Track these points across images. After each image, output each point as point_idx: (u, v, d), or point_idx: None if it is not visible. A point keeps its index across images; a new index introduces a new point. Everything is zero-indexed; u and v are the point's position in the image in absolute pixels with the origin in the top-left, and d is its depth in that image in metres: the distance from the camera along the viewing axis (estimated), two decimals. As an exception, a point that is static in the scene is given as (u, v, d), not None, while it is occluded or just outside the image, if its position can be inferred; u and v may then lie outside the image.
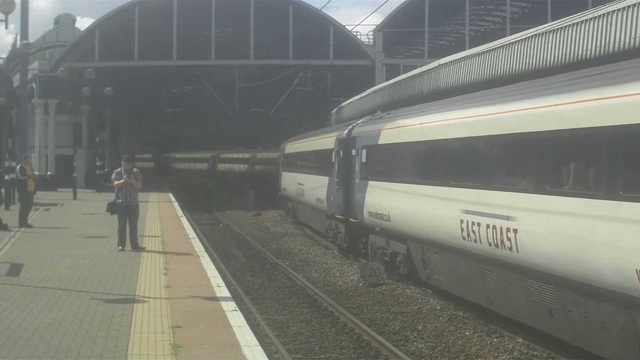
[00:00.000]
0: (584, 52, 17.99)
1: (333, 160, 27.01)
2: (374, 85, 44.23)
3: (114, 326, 11.46)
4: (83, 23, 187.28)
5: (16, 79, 43.14)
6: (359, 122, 25.94)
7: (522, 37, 21.67)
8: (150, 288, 14.85)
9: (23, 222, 26.16)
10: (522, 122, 13.05)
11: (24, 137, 38.22)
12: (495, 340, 14.47)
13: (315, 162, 31.78)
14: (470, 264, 15.47)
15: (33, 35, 65.77)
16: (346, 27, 56.31)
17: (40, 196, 36.36)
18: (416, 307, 17.67)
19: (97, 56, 55.04)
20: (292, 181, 37.77)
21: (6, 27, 27.28)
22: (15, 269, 16.89)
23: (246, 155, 64.47)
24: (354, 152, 24.40)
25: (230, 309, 13.03)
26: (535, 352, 13.57)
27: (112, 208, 20.96)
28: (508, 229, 13.17)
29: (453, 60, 26.19)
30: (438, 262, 17.53)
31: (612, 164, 10.73)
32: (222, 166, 74.94)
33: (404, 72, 38.81)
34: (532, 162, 12.93)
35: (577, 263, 11.30)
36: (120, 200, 20.61)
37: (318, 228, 32.29)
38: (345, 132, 25.94)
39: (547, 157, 12.48)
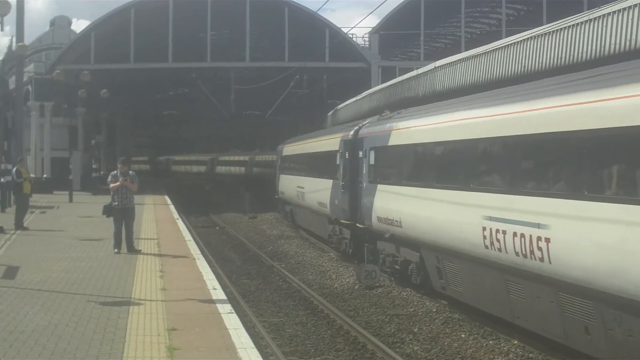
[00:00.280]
0: (580, 55, 18.01)
1: (337, 163, 26.05)
2: (370, 87, 44.18)
3: (110, 329, 11.47)
4: (79, 25, 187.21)
5: (12, 82, 43.01)
6: (365, 122, 24.92)
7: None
8: (146, 290, 14.85)
9: (19, 225, 26.14)
10: (558, 120, 11.95)
11: (20, 140, 38.15)
12: (490, 342, 14.49)
13: (318, 165, 30.58)
14: (492, 275, 14.36)
15: (29, 38, 65.96)
16: (342, 29, 56.38)
17: (36, 199, 36.33)
18: (412, 309, 17.68)
19: (93, 58, 55.01)
20: (291, 184, 36.67)
21: (2, 29, 27.23)
22: (11, 272, 16.89)
23: (244, 158, 64.49)
24: (360, 153, 23.39)
25: (226, 311, 13.04)
26: (530, 355, 13.60)
27: (108, 211, 20.95)
28: (539, 238, 12.11)
29: (454, 62, 25.96)
30: (455, 272, 16.38)
31: None
32: (220, 169, 74.96)
33: (399, 75, 38.78)
34: (569, 164, 11.80)
35: (619, 276, 10.38)
36: (116, 203, 20.60)
37: (319, 233, 31.45)
38: (351, 133, 24.94)
39: (585, 159, 11.36)
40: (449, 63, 25.76)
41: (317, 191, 29.55)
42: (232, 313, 12.95)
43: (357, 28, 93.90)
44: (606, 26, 16.93)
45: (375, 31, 55.41)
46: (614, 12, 16.68)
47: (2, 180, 33.06)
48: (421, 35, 56.70)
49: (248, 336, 11.41)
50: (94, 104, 57.07)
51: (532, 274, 12.62)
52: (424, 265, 18.27)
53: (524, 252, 12.60)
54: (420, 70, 29.83)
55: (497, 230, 13.48)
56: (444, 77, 25.83)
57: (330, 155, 27.38)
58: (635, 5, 15.81)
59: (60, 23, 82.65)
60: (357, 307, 18.25)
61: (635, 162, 10.37)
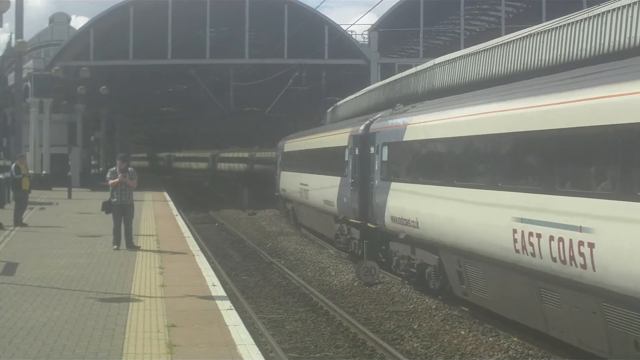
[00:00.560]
0: (579, 52, 18.02)
1: (346, 159, 24.83)
2: (369, 84, 44.25)
3: (110, 325, 11.46)
4: (78, 22, 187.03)
5: (11, 78, 42.99)
6: (377, 116, 23.61)
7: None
8: (145, 287, 14.84)
9: (18, 221, 26.13)
10: (609, 111, 10.68)
11: (19, 136, 38.12)
12: (490, 339, 14.50)
13: (324, 161, 29.24)
14: (523, 281, 13.15)
15: (28, 34, 65.87)
16: (341, 26, 56.36)
17: (35, 195, 36.27)
18: (411, 306, 17.69)
19: (92, 55, 55.00)
20: (293, 181, 35.36)
21: (1, 26, 27.23)
22: (10, 268, 16.88)
23: (245, 154, 64.44)
24: (372, 149, 22.09)
25: (225, 307, 13.03)
26: (530, 351, 13.60)
27: (107, 207, 20.94)
28: (581, 243, 10.96)
29: (458, 57, 25.73)
30: (479, 277, 15.15)
31: None
32: (221, 165, 74.88)
33: (399, 72, 38.82)
34: (618, 161, 10.51)
35: None
36: (115, 199, 20.59)
37: (324, 232, 30.27)
38: (362, 127, 23.58)
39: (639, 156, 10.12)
40: (455, 58, 25.57)
41: (322, 189, 28.40)
42: (231, 309, 12.94)
43: (357, 25, 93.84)
44: (605, 23, 16.95)
45: (374, 28, 55.42)
46: (612, 10, 16.70)
47: (1, 176, 33.05)
48: (420, 32, 56.77)
49: (247, 332, 11.40)
50: (93, 101, 57.07)
51: (572, 282, 11.47)
52: (443, 268, 17.05)
53: (562, 258, 11.49)
54: (420, 67, 29.78)
55: (531, 233, 12.38)
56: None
57: (338, 151, 26.23)
58: (634, 3, 15.83)
59: (59, 20, 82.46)
60: (356, 304, 18.26)
61: None
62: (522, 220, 12.67)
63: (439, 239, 16.63)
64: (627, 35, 16.20)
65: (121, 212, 20.50)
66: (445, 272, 17.03)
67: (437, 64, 27.16)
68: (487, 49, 23.46)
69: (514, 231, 12.89)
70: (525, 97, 13.31)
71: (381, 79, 43.96)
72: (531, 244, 12.37)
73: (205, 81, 62.55)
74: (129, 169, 21.03)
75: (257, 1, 55.27)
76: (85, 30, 57.15)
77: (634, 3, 15.89)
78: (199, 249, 21.68)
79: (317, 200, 29.34)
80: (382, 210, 20.61)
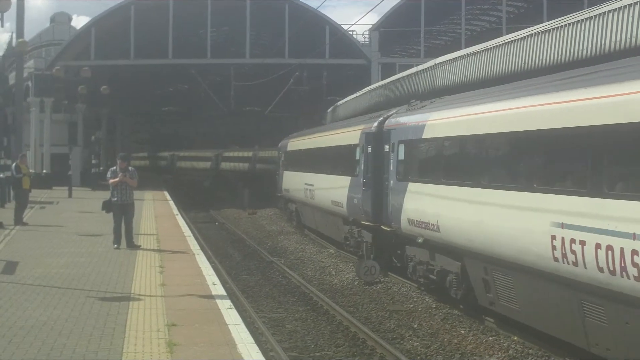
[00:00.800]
0: (580, 52, 18.00)
1: (357, 158, 23.61)
2: (370, 84, 44.21)
3: (110, 324, 11.46)
4: (79, 21, 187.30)
5: (12, 77, 42.98)
6: (390, 112, 22.33)
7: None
8: (145, 286, 14.84)
9: (18, 220, 26.15)
10: None
11: (20, 136, 38.14)
12: (490, 338, 14.51)
13: (332, 160, 27.89)
14: (562, 293, 12.01)
15: (29, 34, 65.88)
16: (342, 26, 56.37)
17: (36, 194, 36.29)
18: (411, 305, 17.69)
19: (93, 55, 55.02)
20: (297, 181, 34.18)
21: (2, 25, 27.27)
22: (10, 267, 16.89)
23: (248, 154, 64.44)
24: (387, 148, 20.86)
25: (225, 307, 13.04)
26: (530, 351, 13.61)
27: (107, 206, 20.96)
28: (635, 252, 9.86)
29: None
30: (510, 286, 13.93)
31: None
32: (225, 165, 74.87)
33: (400, 72, 38.76)
34: None
35: None
36: (115, 199, 20.60)
37: (331, 235, 29.07)
38: (375, 124, 22.45)
39: None
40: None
41: (330, 189, 27.16)
42: (231, 309, 12.95)
43: (358, 25, 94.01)
44: (606, 23, 16.94)
45: (375, 28, 55.42)
46: (614, 10, 16.68)
47: (1, 175, 33.07)
48: (421, 32, 56.74)
49: (248, 332, 11.40)
50: (94, 100, 57.09)
51: (622, 295, 10.34)
52: (467, 276, 15.84)
53: (611, 269, 10.36)
54: (421, 67, 29.71)
55: (573, 240, 11.18)
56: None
57: (348, 149, 24.96)
58: (636, 3, 15.81)
59: (60, 19, 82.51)
60: (356, 303, 18.26)
61: None
62: (563, 226, 11.48)
63: (463, 245, 15.38)
64: (629, 35, 16.19)
65: (122, 211, 20.52)
66: (469, 280, 15.82)
67: (443, 62, 26.82)
68: (489, 48, 23.43)
69: (553, 237, 11.71)
70: (575, 89, 11.88)
71: (382, 79, 43.91)
72: (573, 252, 11.18)
73: (206, 81, 62.58)
74: (130, 168, 21.05)
75: (258, 1, 55.27)
76: (86, 29, 57.17)
77: (636, 3, 15.89)
78: (199, 248, 21.70)
79: (324, 201, 28.14)
80: (397, 213, 19.39)
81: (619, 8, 16.52)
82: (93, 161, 55.44)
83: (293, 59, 54.70)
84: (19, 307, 12.64)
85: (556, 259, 11.65)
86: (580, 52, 17.93)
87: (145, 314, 12.24)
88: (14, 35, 39.55)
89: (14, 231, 24.33)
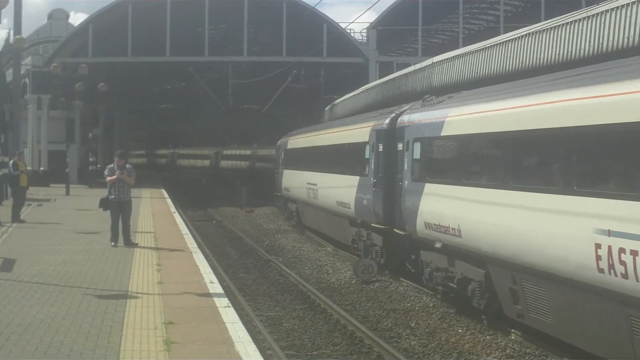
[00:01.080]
0: (577, 51, 18.01)
1: (367, 156, 22.52)
2: (368, 82, 44.22)
3: (107, 322, 11.45)
4: (76, 18, 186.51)
5: (9, 74, 42.96)
6: (404, 108, 21.13)
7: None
8: (143, 284, 14.83)
9: (16, 218, 26.10)
10: None
11: (17, 133, 38.16)
12: (488, 337, 14.52)
13: (338, 159, 26.76)
14: (607, 307, 10.89)
15: (26, 30, 65.86)
16: (340, 24, 56.40)
17: (33, 192, 36.28)
18: (409, 304, 17.71)
19: (91, 52, 55.01)
20: (298, 180, 33.02)
21: (-1, 22, 27.22)
22: (7, 265, 16.85)
23: (248, 152, 64.46)
24: (400, 146, 19.67)
25: (223, 305, 13.03)
26: (527, 350, 13.63)
27: (104, 204, 20.93)
28: None
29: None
30: (542, 298, 12.75)
31: None
32: (224, 163, 74.89)
33: (397, 70, 38.72)
34: None
35: None
36: (112, 196, 20.58)
37: (335, 236, 27.98)
38: (387, 121, 21.33)
39: None
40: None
41: (335, 189, 26.01)
42: (229, 307, 12.94)
43: (355, 23, 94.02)
44: (604, 23, 16.94)
45: (373, 26, 55.44)
46: (611, 10, 16.69)
47: (-2, 173, 33.03)
48: (419, 31, 56.74)
49: (245, 330, 11.40)
50: (92, 97, 57.03)
51: None
52: (492, 285, 14.77)
53: None
54: (419, 65, 29.64)
55: (622, 250, 10.04)
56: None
57: (356, 147, 23.82)
58: (633, 2, 15.82)
59: (58, 16, 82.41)
60: (354, 302, 18.27)
61: None
62: (610, 233, 10.32)
63: (488, 251, 14.24)
64: (626, 35, 16.20)
65: (119, 209, 20.49)
66: (493, 289, 14.78)
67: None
68: (490, 46, 23.37)
69: (597, 246, 10.56)
70: (627, 80, 10.58)
71: (379, 77, 43.92)
72: (622, 263, 10.04)
73: (203, 78, 62.59)
74: (127, 165, 21.02)
75: (256, -1, 55.31)
76: (83, 26, 57.13)
77: (634, 2, 15.90)
78: (196, 246, 21.68)
79: (329, 202, 26.94)
80: (413, 215, 18.18)
81: (617, 7, 16.53)
82: (90, 158, 55.40)
83: (291, 57, 54.70)
84: (16, 304, 12.62)
85: (601, 270, 10.52)
86: (581, 50, 17.93)
87: (142, 312, 12.23)
88: (12, 32, 39.61)
89: (11, 229, 24.29)
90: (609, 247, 10.33)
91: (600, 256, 10.52)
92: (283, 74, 55.10)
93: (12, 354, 9.69)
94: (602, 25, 16.93)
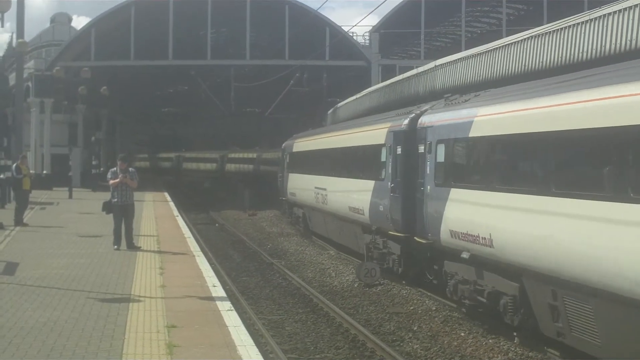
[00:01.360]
0: (580, 54, 18.00)
1: (383, 159, 21.25)
2: (370, 86, 44.21)
3: (109, 325, 11.46)
4: (79, 22, 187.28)
5: (12, 78, 43.01)
6: (424, 108, 19.95)
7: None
8: (145, 287, 14.84)
9: (19, 221, 26.15)
10: None
11: (20, 136, 38.15)
12: (490, 341, 14.50)
13: (350, 162, 25.46)
14: None
15: (29, 34, 66.00)
16: (342, 27, 56.47)
17: (36, 195, 36.30)
18: (411, 307, 17.68)
19: (93, 55, 55.06)
20: (305, 184, 31.95)
21: (2, 26, 27.28)
22: (10, 268, 16.88)
23: (253, 155, 64.52)
24: (422, 148, 18.38)
25: (225, 308, 13.04)
26: (530, 354, 13.60)
27: (107, 207, 20.96)
28: None
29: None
30: (588, 316, 11.50)
31: None
32: (229, 166, 74.92)
33: (400, 73, 38.74)
34: None
35: None
36: (115, 200, 20.61)
37: (346, 243, 26.63)
38: (406, 122, 20.04)
39: None
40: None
41: (347, 194, 24.80)
42: (231, 310, 12.95)
43: (358, 27, 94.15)
44: (606, 26, 16.94)
45: (375, 30, 55.48)
46: (614, 12, 16.68)
47: (2, 176, 33.08)
48: (421, 34, 56.78)
49: (247, 333, 11.41)
50: (94, 101, 57.11)
51: None
52: (527, 300, 13.54)
53: None
54: (423, 68, 29.57)
55: None
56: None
57: (371, 150, 22.60)
58: (636, 5, 15.81)
59: (60, 20, 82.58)
60: (356, 305, 18.25)
61: None
62: None
63: (524, 263, 13.04)
64: (629, 37, 16.19)
65: (122, 213, 20.52)
66: (529, 305, 13.53)
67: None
68: (489, 50, 23.33)
69: None
70: None
71: (382, 81, 43.92)
72: None
73: (206, 82, 62.65)
74: (130, 169, 21.05)
75: (258, 2, 55.30)
76: (86, 30, 57.20)
77: (636, 5, 15.89)
78: (199, 249, 21.70)
79: (340, 207, 25.72)
80: (436, 223, 16.96)
81: (620, 10, 16.52)
82: (93, 162, 55.50)
83: (293, 60, 54.77)
84: (19, 308, 12.63)
85: None
86: (579, 54, 17.93)
87: (145, 316, 12.24)
88: (14, 36, 39.59)
89: (14, 232, 24.33)
90: None
91: None
92: (285, 78, 55.13)
93: (14, 357, 9.71)
94: (605, 28, 16.94)
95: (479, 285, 15.37)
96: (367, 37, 56.41)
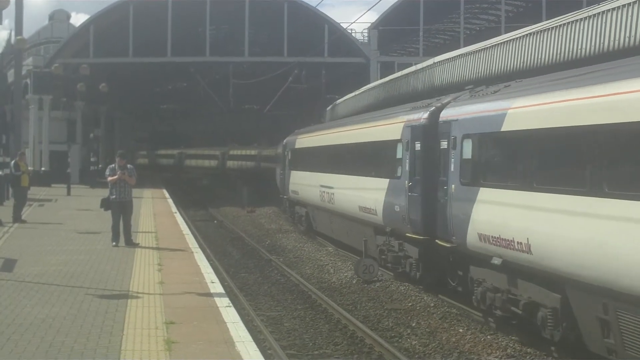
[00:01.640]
0: (579, 51, 17.99)
1: (399, 156, 19.83)
2: (369, 82, 44.21)
3: (108, 322, 11.47)
4: (78, 19, 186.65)
5: (10, 75, 43.01)
6: (446, 100, 18.46)
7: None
8: (144, 284, 14.84)
9: (17, 218, 26.14)
10: None
11: (18, 133, 38.15)
12: (488, 337, 14.51)
13: (360, 159, 24.13)
14: None
15: (27, 31, 65.96)
16: (341, 24, 56.46)
17: (35, 192, 36.31)
18: (410, 304, 17.68)
19: (92, 52, 55.06)
20: (309, 182, 30.63)
21: (1, 23, 27.26)
22: (9, 265, 16.88)
23: (253, 152, 64.48)
24: (444, 144, 16.98)
25: (224, 305, 13.04)
26: (528, 349, 13.61)
27: (106, 204, 20.97)
28: None
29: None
30: None
31: None
32: (230, 163, 74.93)
33: (398, 70, 38.68)
34: None
35: None
36: (114, 196, 20.61)
37: (354, 245, 24.94)
38: (426, 115, 18.61)
39: None
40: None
41: (357, 193, 23.45)
42: (230, 307, 12.95)
43: (357, 23, 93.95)
44: (605, 23, 16.93)
45: (374, 27, 55.44)
46: (613, 9, 16.67)
47: (0, 173, 33.07)
48: (420, 30, 56.78)
49: (246, 330, 11.41)
50: (93, 98, 57.13)
51: None
52: (571, 313, 12.21)
53: None
54: (422, 64, 29.45)
55: None
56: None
57: (384, 146, 21.28)
58: (634, 2, 15.81)
59: (59, 17, 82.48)
60: (355, 302, 18.25)
61: None
62: None
63: (569, 271, 11.70)
64: (628, 34, 16.18)
65: (120, 209, 20.52)
66: (573, 318, 12.18)
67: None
68: (487, 47, 23.27)
69: None
70: None
71: (381, 77, 43.90)
72: None
73: (205, 79, 62.67)
74: (128, 166, 21.05)
75: (257, -1, 55.37)
76: (85, 27, 57.19)
77: (634, 2, 15.89)
78: (197, 246, 21.71)
79: (349, 206, 24.36)
80: (462, 225, 15.60)
81: (618, 7, 16.52)
82: (92, 159, 55.50)
83: (292, 57, 54.75)
84: (18, 304, 12.63)
85: None
86: (578, 51, 17.91)
87: (143, 312, 12.24)
88: (13, 33, 39.59)
89: (12, 229, 24.32)
90: None
91: None
92: (284, 74, 55.14)
93: (13, 353, 9.71)
94: (604, 24, 16.93)
95: (513, 295, 14.04)
96: (366, 34, 56.42)
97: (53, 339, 10.43)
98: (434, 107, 18.54)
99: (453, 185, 16.25)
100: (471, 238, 15.13)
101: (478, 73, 23.27)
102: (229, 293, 16.06)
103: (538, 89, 13.47)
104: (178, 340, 10.49)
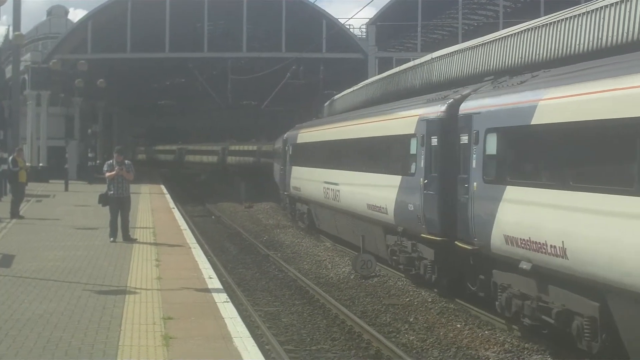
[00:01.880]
0: (577, 46, 17.94)
1: (413, 152, 18.62)
2: (367, 78, 44.15)
3: (106, 317, 11.47)
4: (76, 15, 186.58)
5: (8, 71, 43.05)
6: (466, 91, 17.28)
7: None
8: (141, 279, 14.85)
9: (15, 214, 26.14)
10: None
11: (16, 129, 38.18)
12: (486, 332, 14.53)
13: (369, 154, 22.88)
14: None
15: (25, 27, 65.69)
16: (339, 20, 56.37)
17: (32, 188, 36.32)
18: (407, 299, 17.70)
19: (90, 48, 54.99)
20: (312, 179, 29.49)
21: (-2, 18, 27.23)
22: (6, 260, 16.89)
23: (253, 148, 64.45)
24: (465, 138, 15.77)
25: (221, 300, 13.05)
26: (526, 345, 13.62)
27: (103, 200, 20.99)
28: None
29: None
30: None
31: None
32: (230, 159, 74.89)
33: (397, 66, 38.61)
34: None
35: None
36: (112, 192, 20.62)
37: (359, 244, 22.94)
38: (443, 108, 17.43)
39: None
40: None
41: (365, 190, 22.34)
42: (227, 302, 12.96)
43: (355, 19, 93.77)
44: (604, 18, 16.90)
45: (372, 22, 55.45)
46: (611, 5, 16.65)
47: (-2, 169, 33.08)
48: (418, 26, 56.73)
49: (244, 325, 11.41)
50: (91, 94, 57.08)
51: None
52: (612, 322, 11.12)
53: None
54: (422, 59, 29.28)
55: None
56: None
57: (396, 141, 20.08)
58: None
59: (57, 12, 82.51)
60: (352, 297, 18.26)
61: None
62: None
63: (610, 278, 10.64)
64: (626, 30, 16.14)
65: (118, 205, 20.53)
66: (615, 329, 11.11)
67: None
68: (485, 42, 23.14)
69: None
70: None
71: (379, 73, 43.85)
72: None
73: (202, 74, 62.59)
74: (126, 161, 21.05)
75: (254, -6, 55.31)
76: (83, 23, 57.14)
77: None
78: (195, 241, 21.72)
79: (356, 204, 23.24)
80: (485, 226, 14.45)
81: (617, 2, 16.49)
82: (90, 154, 55.45)
83: (290, 52, 54.68)
84: (15, 300, 12.64)
85: None
86: (576, 46, 17.89)
87: (141, 308, 12.25)
88: (11, 28, 39.60)
89: (10, 224, 24.33)
90: None
91: None
92: (282, 70, 55.09)
93: (11, 348, 9.72)
94: (602, 20, 16.90)
95: (543, 302, 12.85)
96: (364, 30, 56.40)
97: (51, 334, 10.43)
98: (452, 100, 17.35)
99: (475, 183, 15.08)
100: (496, 240, 14.02)
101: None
102: (227, 288, 16.06)
103: (575, 78, 12.24)
104: (176, 335, 10.50)
